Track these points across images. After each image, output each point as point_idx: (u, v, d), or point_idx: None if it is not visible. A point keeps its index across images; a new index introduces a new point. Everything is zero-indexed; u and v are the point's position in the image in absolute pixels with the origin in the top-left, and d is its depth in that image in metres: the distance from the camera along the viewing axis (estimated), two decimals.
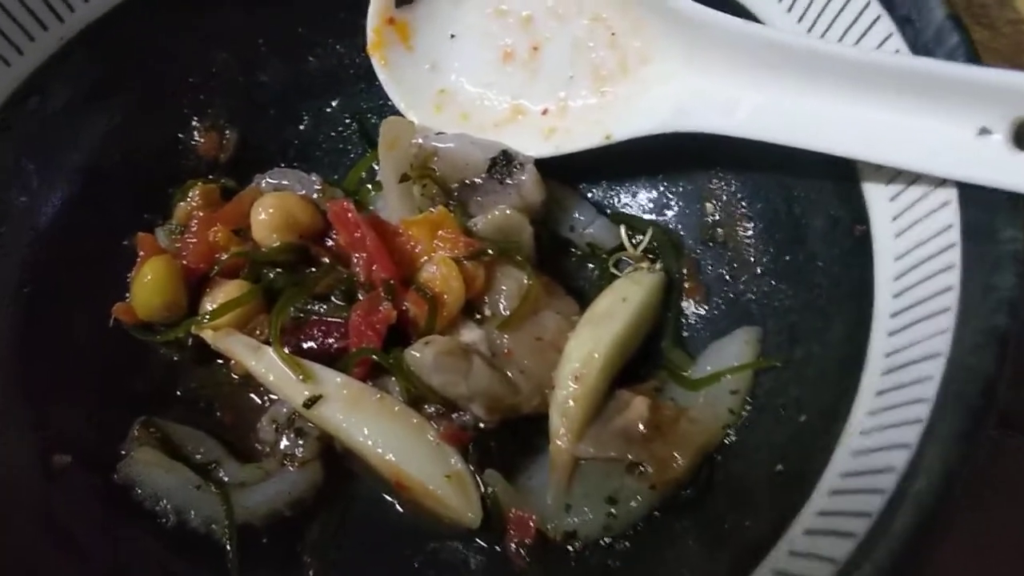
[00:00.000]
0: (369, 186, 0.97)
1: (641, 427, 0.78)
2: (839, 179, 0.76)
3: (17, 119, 0.88)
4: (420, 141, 0.92)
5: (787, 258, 0.83)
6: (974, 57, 0.66)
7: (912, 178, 0.69)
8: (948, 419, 0.54)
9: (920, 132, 0.66)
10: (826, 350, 0.73)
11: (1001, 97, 0.62)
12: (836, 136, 0.72)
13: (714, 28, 0.79)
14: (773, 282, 0.84)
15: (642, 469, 0.76)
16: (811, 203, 0.81)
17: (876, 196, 0.72)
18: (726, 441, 0.78)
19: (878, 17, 0.73)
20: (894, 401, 0.60)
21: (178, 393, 0.91)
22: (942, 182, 0.65)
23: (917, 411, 0.57)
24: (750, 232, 0.88)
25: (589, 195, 0.99)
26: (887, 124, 0.68)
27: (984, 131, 0.63)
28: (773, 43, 0.75)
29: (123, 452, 0.84)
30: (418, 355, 0.81)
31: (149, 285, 0.87)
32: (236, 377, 0.90)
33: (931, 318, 0.61)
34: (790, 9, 0.80)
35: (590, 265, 0.95)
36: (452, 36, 0.97)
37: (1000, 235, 0.59)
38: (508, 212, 0.90)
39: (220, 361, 0.90)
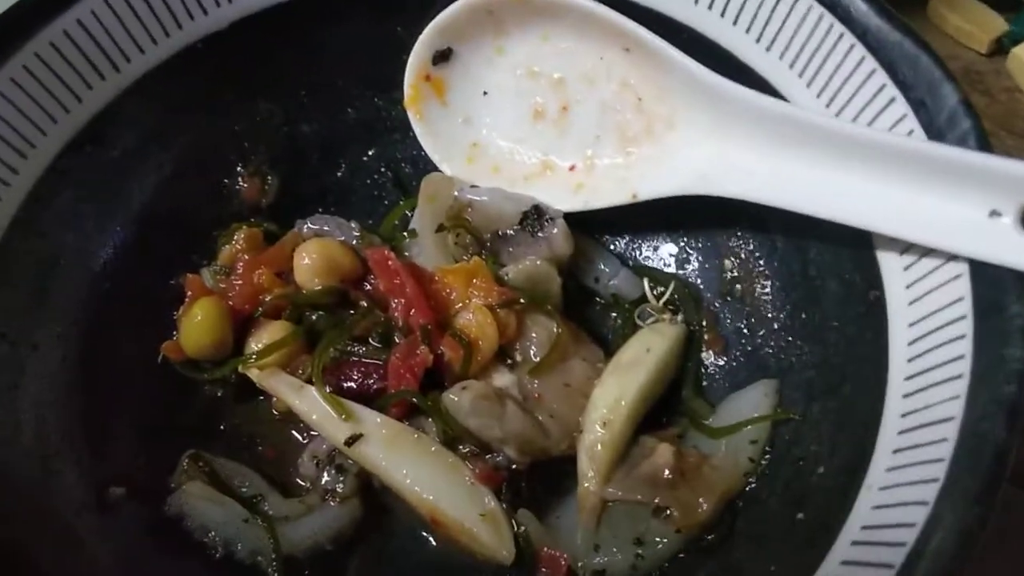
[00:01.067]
0: (404, 233, 1.01)
1: (666, 472, 0.83)
2: (854, 245, 0.82)
3: (74, 164, 0.91)
4: (456, 194, 0.98)
5: (803, 316, 0.89)
6: (984, 142, 0.72)
7: (925, 250, 0.74)
8: (963, 481, 0.60)
9: (934, 211, 0.72)
10: (843, 406, 0.79)
11: (1010, 184, 0.68)
12: (852, 208, 0.77)
13: (738, 102, 0.84)
14: (790, 338, 0.89)
15: (668, 513, 0.81)
16: (826, 266, 0.86)
17: (890, 265, 0.78)
18: (747, 488, 0.84)
19: (893, 99, 0.79)
20: (911, 460, 0.66)
21: (222, 428, 0.95)
22: (954, 256, 0.71)
23: (934, 470, 0.62)
24: (767, 290, 0.93)
25: (612, 247, 1.04)
26: (902, 201, 0.74)
27: (995, 213, 0.69)
28: (795, 120, 0.80)
29: (172, 485, 0.88)
30: (456, 399, 0.86)
31: (199, 325, 0.91)
32: (277, 413, 0.94)
33: (945, 383, 0.67)
34: (809, 84, 0.86)
35: (613, 314, 1.00)
36: (485, 93, 1.02)
37: (1009, 310, 0.65)
38: (538, 263, 0.95)
39: (262, 398, 0.94)
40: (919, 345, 0.72)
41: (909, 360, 0.72)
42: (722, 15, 0.90)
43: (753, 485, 0.84)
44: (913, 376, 0.71)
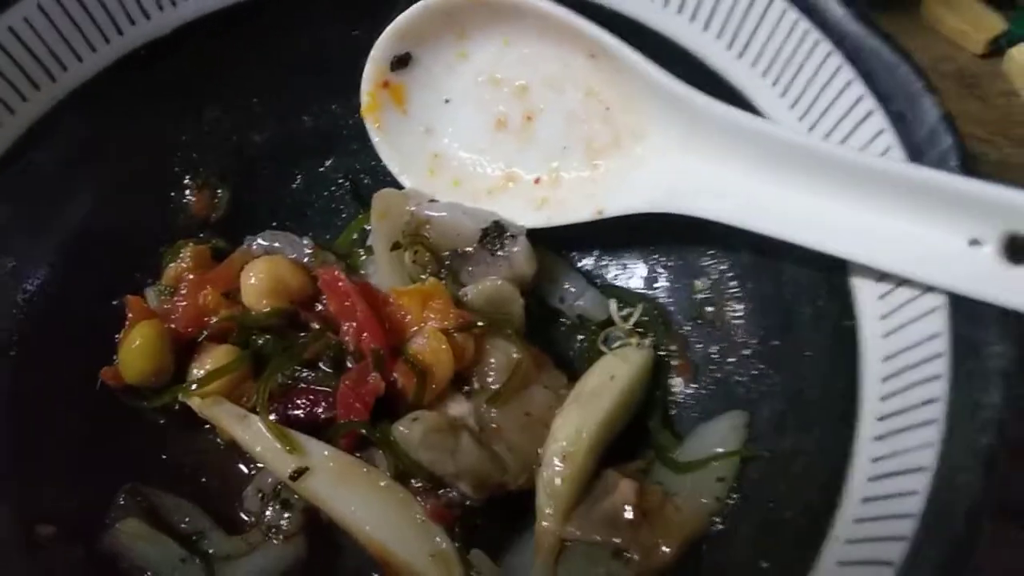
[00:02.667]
0: (361, 250, 0.96)
1: (628, 511, 0.78)
2: (828, 269, 0.77)
3: (7, 180, 0.87)
4: (413, 209, 0.93)
5: (775, 343, 0.84)
6: (966, 161, 0.67)
7: (902, 279, 0.69)
8: (931, 543, 0.54)
9: (910, 238, 0.67)
10: (813, 445, 0.74)
11: (992, 209, 0.63)
12: (826, 233, 0.73)
13: (709, 115, 0.80)
14: (762, 366, 0.84)
15: (628, 555, 0.76)
16: (801, 290, 0.81)
17: (865, 292, 0.73)
18: (713, 529, 0.78)
19: (871, 112, 0.73)
20: (880, 512, 0.61)
21: (163, 457, 0.90)
22: (932, 287, 0.66)
23: (902, 527, 0.57)
24: (740, 313, 0.88)
25: (579, 265, 0.99)
26: (877, 226, 0.69)
27: (975, 242, 0.64)
28: (769, 137, 0.75)
29: (107, 521, 0.83)
30: (406, 431, 0.81)
31: (137, 350, 0.87)
32: (222, 443, 0.89)
33: (916, 428, 0.62)
34: (783, 94, 0.81)
35: (579, 336, 0.95)
36: (447, 101, 0.97)
37: (988, 349, 0.60)
38: (499, 283, 0.90)
39: (207, 426, 0.89)
40: (893, 383, 0.67)
41: (882, 398, 0.67)
42: (692, 19, 0.85)
43: (720, 527, 0.78)
44: (886, 417, 0.66)
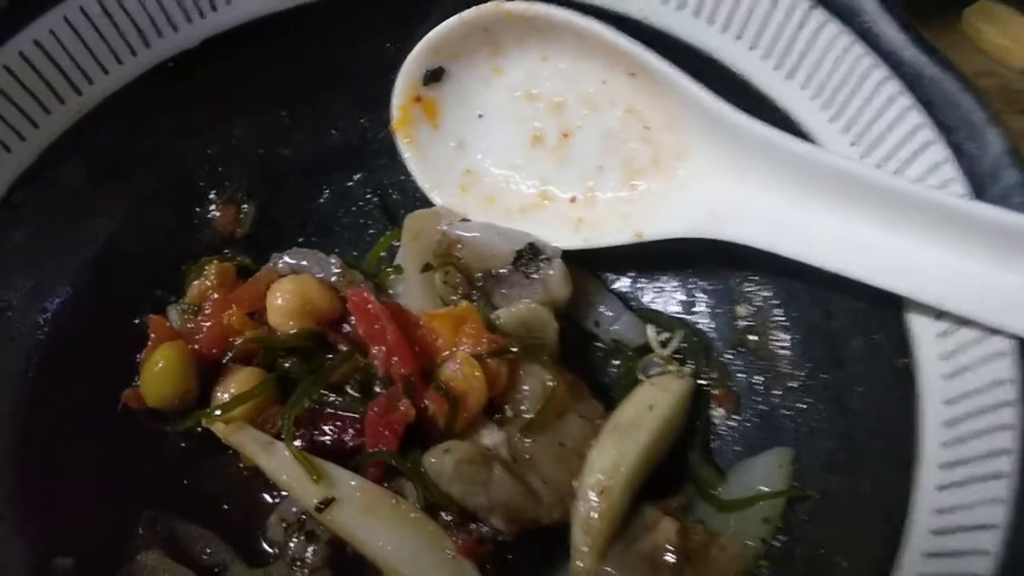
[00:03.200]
0: (390, 269, 0.93)
1: (669, 552, 0.75)
2: (882, 301, 0.74)
3: (31, 196, 0.85)
4: (444, 229, 0.90)
5: (824, 376, 0.81)
6: None
7: (964, 319, 0.66)
8: None
9: (972, 277, 0.65)
10: (866, 487, 0.71)
11: None
12: (878, 267, 0.71)
13: (754, 137, 0.78)
14: (809, 400, 0.82)
15: None
16: (851, 322, 0.79)
17: (923, 330, 0.70)
18: (759, 574, 0.76)
19: (930, 142, 0.71)
20: (947, 569, 0.58)
21: (185, 483, 0.88)
22: (998, 331, 0.63)
23: None
24: (785, 342, 0.86)
25: (614, 286, 0.97)
26: (935, 263, 0.67)
27: None
28: (820, 164, 0.73)
29: (127, 553, 0.81)
30: (437, 462, 0.79)
31: (160, 373, 0.84)
32: (246, 469, 0.87)
33: (985, 481, 0.59)
34: (834, 119, 0.78)
35: (615, 361, 0.93)
36: (480, 116, 0.95)
37: None
38: (533, 307, 0.88)
39: (231, 451, 0.87)
40: (957, 429, 0.64)
41: (943, 444, 0.64)
42: (738, 38, 0.83)
43: (766, 571, 0.76)
44: (949, 465, 0.63)
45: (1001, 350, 0.62)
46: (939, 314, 0.68)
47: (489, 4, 0.87)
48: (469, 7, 0.88)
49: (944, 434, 0.65)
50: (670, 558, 0.75)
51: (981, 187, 0.66)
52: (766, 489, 0.78)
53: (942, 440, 0.64)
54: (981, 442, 0.61)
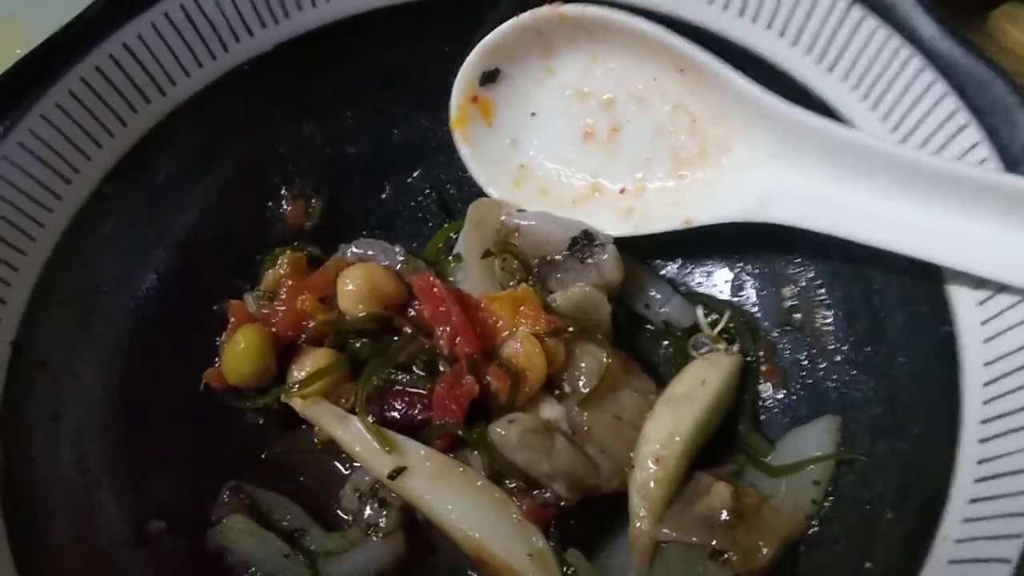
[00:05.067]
0: (449, 258, 0.99)
1: (724, 513, 0.80)
2: (922, 276, 0.78)
3: (118, 190, 0.90)
4: (504, 218, 0.95)
5: (867, 349, 0.85)
6: None
7: (1001, 285, 0.70)
8: None
9: (1010, 246, 0.69)
10: (912, 448, 0.75)
11: None
12: (921, 241, 0.75)
13: (799, 125, 0.82)
14: (853, 372, 0.86)
15: (726, 556, 0.78)
16: (892, 297, 0.83)
17: (962, 299, 0.74)
18: (810, 532, 0.80)
19: (965, 125, 0.75)
20: (991, 511, 0.62)
21: (263, 457, 0.94)
22: None
23: (1015, 526, 0.59)
24: (829, 320, 0.90)
25: (663, 272, 1.01)
26: (974, 234, 0.71)
27: None
28: (862, 147, 0.77)
29: (213, 518, 0.86)
30: (503, 432, 0.83)
31: (242, 353, 0.90)
32: (319, 443, 0.92)
33: None
34: (874, 108, 0.82)
35: (665, 342, 0.97)
36: (533, 114, 1.00)
37: None
38: (587, 289, 0.93)
39: (304, 426, 0.92)
40: (996, 387, 0.68)
41: (985, 402, 0.69)
42: (781, 35, 0.87)
43: (816, 529, 0.80)
44: (990, 420, 0.67)
45: None
46: (979, 283, 0.72)
47: (542, 8, 0.92)
48: (523, 11, 0.92)
49: (984, 392, 0.69)
50: (724, 518, 0.79)
51: (1015, 163, 0.71)
52: (816, 454, 0.83)
53: (983, 398, 0.69)
54: (1019, 396, 0.65)
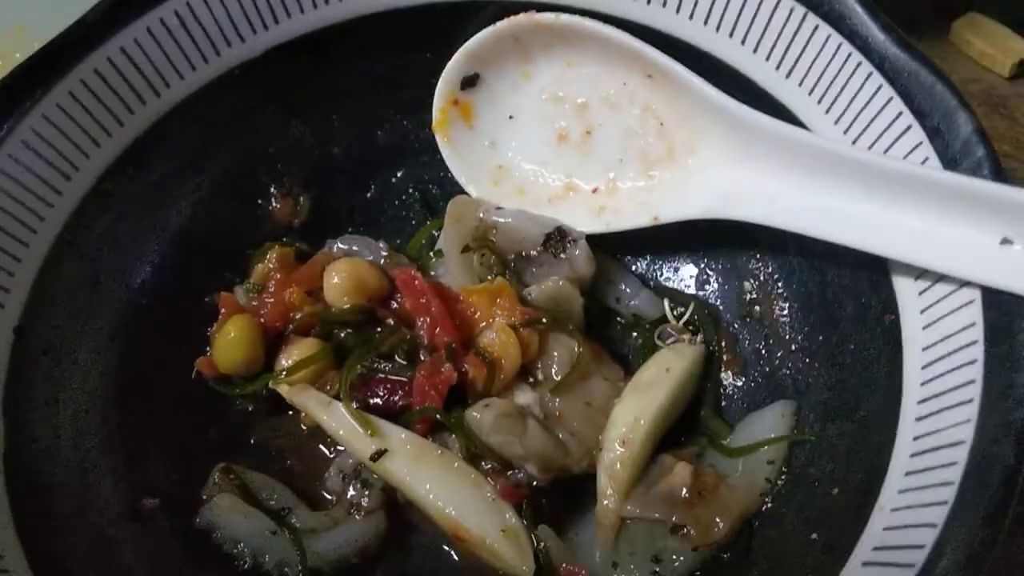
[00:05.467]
0: (431, 253, 1.03)
1: (684, 491, 0.84)
2: (871, 269, 0.83)
3: (116, 187, 0.94)
4: (482, 216, 1.00)
5: (820, 338, 0.90)
6: (998, 170, 0.74)
7: (940, 276, 0.76)
8: (971, 504, 0.61)
9: (947, 238, 0.74)
10: (858, 428, 0.80)
11: (1022, 212, 0.69)
12: (869, 235, 0.79)
13: (759, 129, 0.86)
14: (807, 360, 0.91)
15: (685, 531, 0.83)
16: (843, 289, 0.88)
17: (905, 289, 0.79)
18: (763, 508, 0.85)
19: (910, 127, 0.80)
20: (922, 482, 0.67)
21: (252, 441, 0.98)
22: (967, 282, 0.73)
23: (943, 493, 0.64)
24: (785, 311, 0.95)
25: (633, 267, 1.06)
26: (917, 228, 0.76)
27: (1006, 241, 0.70)
28: (814, 148, 0.82)
29: (204, 497, 0.90)
30: (479, 416, 0.88)
31: (232, 342, 0.94)
32: (305, 428, 0.97)
33: (956, 407, 0.68)
34: (827, 111, 0.87)
35: (634, 334, 1.02)
36: (511, 117, 1.04)
37: (1019, 336, 0.67)
38: (561, 283, 0.97)
39: (290, 412, 0.97)
40: (932, 369, 0.73)
41: (922, 384, 0.74)
42: (742, 43, 0.91)
43: (769, 505, 0.85)
44: (926, 400, 0.72)
45: (970, 298, 0.71)
46: (919, 273, 0.77)
47: (519, 16, 0.96)
48: (501, 19, 0.97)
49: (922, 375, 0.74)
50: (685, 496, 0.84)
51: (954, 162, 0.75)
52: (771, 436, 0.88)
53: (921, 380, 0.74)
54: (953, 376, 0.70)
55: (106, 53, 0.90)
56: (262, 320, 0.98)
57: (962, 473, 0.63)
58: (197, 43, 0.96)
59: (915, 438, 0.71)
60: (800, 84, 0.89)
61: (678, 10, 0.94)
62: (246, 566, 0.87)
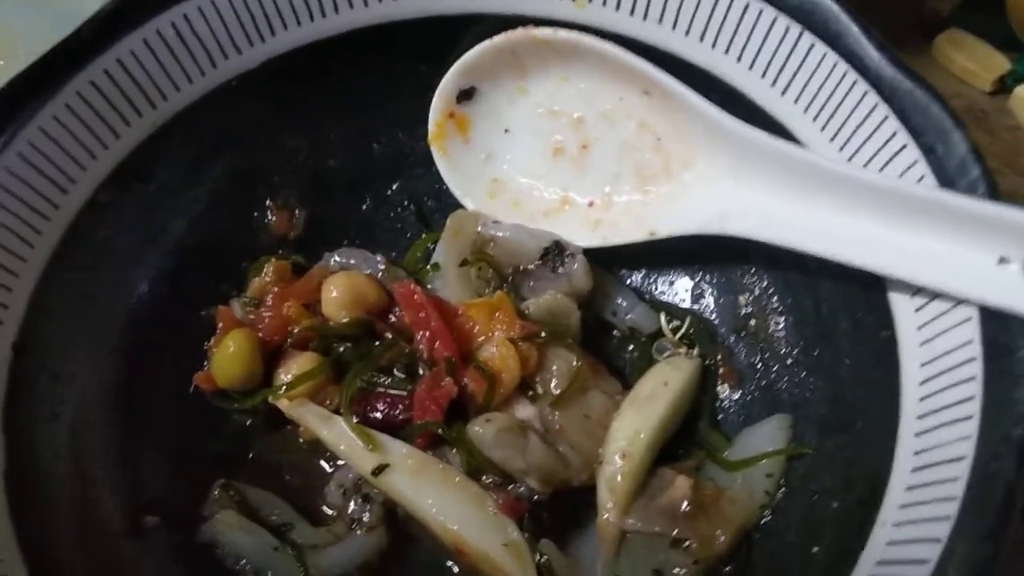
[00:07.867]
0: (428, 267, 1.03)
1: (685, 504, 0.85)
2: (866, 285, 0.84)
3: (112, 199, 0.94)
4: (480, 229, 1.01)
5: (816, 353, 0.91)
6: (993, 189, 0.75)
7: (936, 293, 0.77)
8: (974, 519, 0.62)
9: (944, 256, 0.75)
10: (856, 442, 0.82)
11: (1019, 232, 0.71)
12: (865, 252, 0.80)
13: (755, 145, 0.87)
14: (803, 374, 0.92)
15: (687, 544, 0.84)
16: (838, 304, 0.89)
17: (901, 306, 0.81)
18: (763, 521, 0.86)
19: (905, 145, 0.81)
20: (924, 497, 0.69)
21: (251, 456, 0.97)
22: (964, 300, 0.74)
23: (946, 509, 0.65)
24: (781, 326, 0.96)
25: (629, 282, 1.07)
26: (914, 246, 0.77)
27: (1003, 260, 0.72)
28: (811, 165, 0.83)
29: (204, 513, 0.90)
30: (480, 430, 0.88)
31: (231, 356, 0.94)
32: (304, 443, 0.96)
33: (956, 423, 0.70)
34: (823, 129, 0.88)
35: (630, 347, 1.03)
36: (507, 131, 1.05)
37: (1017, 353, 0.68)
38: (558, 297, 0.98)
39: (289, 427, 0.97)
40: (930, 385, 0.75)
41: (921, 399, 0.75)
42: (739, 60, 0.92)
43: (769, 518, 0.86)
44: (925, 415, 0.74)
45: (967, 316, 0.73)
46: (916, 290, 0.79)
47: (516, 31, 0.97)
48: (498, 33, 0.98)
49: (920, 390, 0.75)
50: (685, 509, 0.85)
51: (950, 181, 0.76)
52: (769, 449, 0.89)
53: (919, 395, 0.75)
54: (951, 392, 0.71)
55: (103, 65, 0.90)
56: (260, 334, 0.97)
57: (964, 488, 0.65)
58: (194, 55, 0.96)
59: (915, 452, 0.72)
60: (796, 101, 0.90)
61: (675, 27, 0.94)
62: None
